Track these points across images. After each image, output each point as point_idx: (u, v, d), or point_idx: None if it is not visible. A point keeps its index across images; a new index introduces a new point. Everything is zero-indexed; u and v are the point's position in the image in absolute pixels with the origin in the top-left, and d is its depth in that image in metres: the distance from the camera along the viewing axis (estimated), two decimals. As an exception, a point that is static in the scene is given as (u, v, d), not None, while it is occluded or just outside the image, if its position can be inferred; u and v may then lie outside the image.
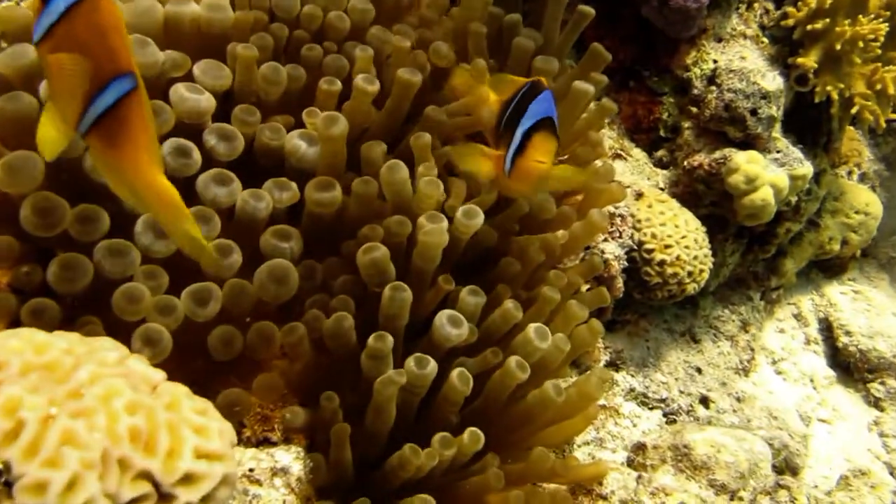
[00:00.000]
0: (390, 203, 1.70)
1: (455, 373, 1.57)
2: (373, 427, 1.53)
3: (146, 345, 1.40)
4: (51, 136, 1.20)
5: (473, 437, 1.56)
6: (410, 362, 1.53)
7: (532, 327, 1.68)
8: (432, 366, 1.53)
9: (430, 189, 1.67)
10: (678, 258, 2.63)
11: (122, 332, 1.40)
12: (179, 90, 1.58)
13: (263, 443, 1.62)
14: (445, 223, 1.63)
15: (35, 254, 1.48)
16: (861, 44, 2.62)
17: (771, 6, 2.87)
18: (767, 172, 2.66)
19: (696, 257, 2.67)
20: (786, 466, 2.68)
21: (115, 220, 1.47)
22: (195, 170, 1.55)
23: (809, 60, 2.68)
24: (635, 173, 2.84)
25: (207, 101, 1.59)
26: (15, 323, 1.44)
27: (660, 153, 2.91)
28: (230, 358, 1.51)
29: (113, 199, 1.48)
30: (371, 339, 1.52)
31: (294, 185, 1.62)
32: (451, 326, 1.59)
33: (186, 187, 1.55)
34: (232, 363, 1.56)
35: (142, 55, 1.55)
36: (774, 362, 3.26)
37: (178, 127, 1.57)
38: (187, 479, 1.03)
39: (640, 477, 2.07)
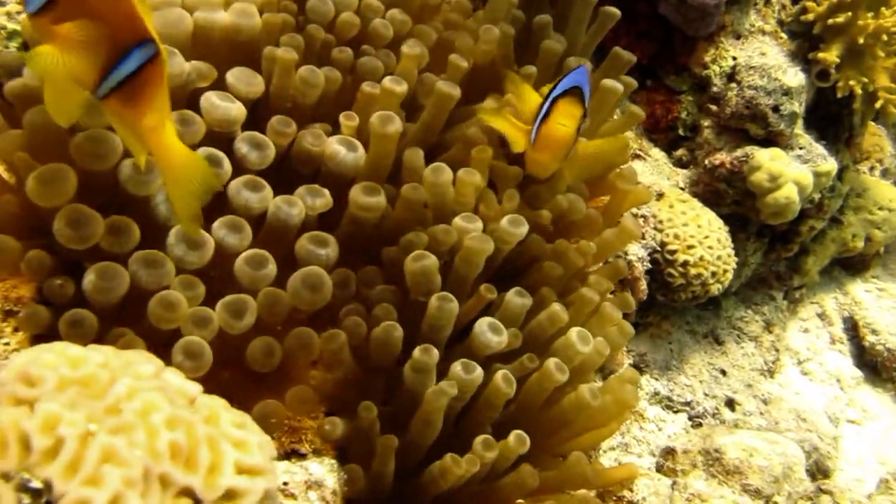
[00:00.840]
0: (432, 206, 1.67)
1: (499, 374, 1.54)
2: (418, 438, 1.50)
3: (187, 358, 1.37)
4: (62, 103, 1.24)
5: (519, 438, 1.53)
6: (457, 367, 1.50)
7: (574, 331, 1.66)
8: (479, 371, 1.51)
9: (469, 177, 1.65)
10: (701, 258, 2.60)
11: (153, 345, 1.38)
12: (210, 98, 1.55)
13: (292, 455, 1.58)
14: (482, 224, 1.62)
15: (63, 267, 1.46)
16: (885, 37, 2.59)
17: (787, 1, 2.84)
18: (791, 170, 2.62)
19: (719, 257, 2.64)
20: (817, 469, 2.64)
21: (143, 231, 1.44)
22: (226, 179, 1.52)
23: (831, 55, 2.65)
24: (655, 173, 2.81)
25: (238, 110, 1.56)
26: (42, 337, 1.42)
27: (679, 152, 2.87)
28: (270, 369, 1.48)
29: (142, 210, 1.47)
30: (417, 352, 1.49)
31: (327, 191, 1.59)
32: (491, 333, 1.57)
33: (216, 194, 1.53)
34: (261, 374, 1.53)
35: (168, 66, 1.52)
36: (800, 363, 3.22)
37: (208, 136, 1.55)
38: (229, 495, 0.99)
39: (674, 483, 2.03)
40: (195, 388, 1.09)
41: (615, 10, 2.14)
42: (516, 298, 1.64)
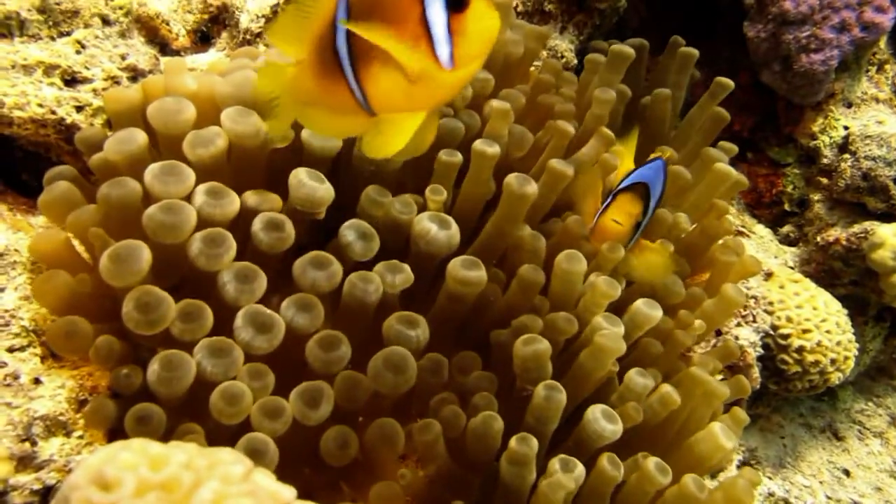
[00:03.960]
0: (555, 294, 1.55)
1: (604, 457, 1.39)
2: None
3: (250, 457, 1.22)
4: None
5: None
6: (555, 464, 1.34)
7: (717, 426, 1.51)
8: (580, 470, 1.35)
9: (610, 288, 1.55)
10: (819, 344, 2.37)
11: (222, 443, 1.25)
12: (299, 175, 1.46)
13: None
14: (622, 329, 1.51)
15: (134, 354, 1.36)
16: None
17: (900, 68, 2.66)
18: (918, 246, 2.38)
19: (839, 343, 2.40)
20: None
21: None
22: (289, 244, 1.41)
23: (956, 122, 2.44)
24: (760, 251, 2.62)
25: (325, 191, 1.46)
26: (113, 432, 1.31)
27: (786, 229, 2.67)
28: (345, 462, 1.33)
29: (209, 291, 1.36)
30: (514, 442, 1.34)
31: (407, 266, 1.47)
32: (605, 421, 1.41)
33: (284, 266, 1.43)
34: (341, 470, 1.38)
35: (243, 125, 1.45)
36: (935, 463, 2.88)
37: (289, 212, 1.46)
38: None
39: None
40: (289, 492, 0.94)
41: (728, 81, 2.04)
42: (638, 378, 1.51)
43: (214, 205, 1.37)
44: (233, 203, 1.39)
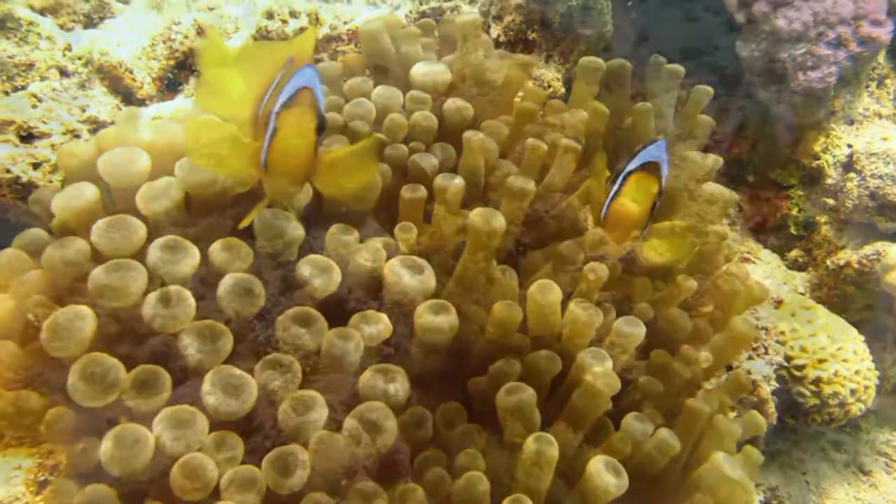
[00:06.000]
0: (533, 329, 1.44)
1: None
2: None
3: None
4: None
5: None
6: None
7: (721, 455, 1.41)
8: None
9: (590, 317, 1.43)
10: (836, 374, 2.25)
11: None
12: (265, 215, 1.39)
13: None
14: (611, 363, 1.40)
15: (93, 426, 1.25)
16: None
17: (900, 82, 2.56)
18: (934, 266, 2.26)
19: (857, 371, 2.27)
20: None
21: (175, 376, 1.22)
22: (260, 305, 1.32)
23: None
24: (768, 278, 2.49)
25: (295, 230, 1.39)
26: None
27: (794, 253, 2.56)
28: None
29: (171, 356, 1.26)
30: None
31: (384, 316, 1.37)
32: (610, 475, 1.29)
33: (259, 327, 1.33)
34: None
35: (198, 174, 1.38)
36: (969, 495, 2.72)
37: (261, 256, 1.38)
38: None
39: None
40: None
41: (707, 88, 1.97)
42: (636, 423, 1.40)
43: (171, 261, 1.28)
44: (191, 258, 1.29)
